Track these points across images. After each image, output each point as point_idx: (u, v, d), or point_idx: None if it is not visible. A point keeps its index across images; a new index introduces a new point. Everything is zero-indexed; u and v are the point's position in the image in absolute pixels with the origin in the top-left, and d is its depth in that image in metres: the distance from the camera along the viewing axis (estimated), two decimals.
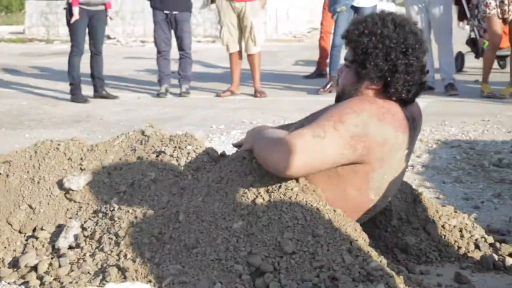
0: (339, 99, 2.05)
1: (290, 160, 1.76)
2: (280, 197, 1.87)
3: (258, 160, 1.92)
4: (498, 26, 5.91)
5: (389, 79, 1.92)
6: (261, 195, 1.88)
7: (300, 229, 1.80)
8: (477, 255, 2.21)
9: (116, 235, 1.92)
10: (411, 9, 6.32)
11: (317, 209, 1.85)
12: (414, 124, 2.02)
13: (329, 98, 6.29)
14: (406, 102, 1.98)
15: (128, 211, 2.00)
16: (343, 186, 1.94)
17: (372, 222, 2.23)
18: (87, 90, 6.58)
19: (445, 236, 2.26)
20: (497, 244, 2.26)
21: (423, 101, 5.96)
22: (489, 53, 6.18)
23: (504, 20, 5.90)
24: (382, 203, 2.06)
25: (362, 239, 1.87)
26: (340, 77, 2.07)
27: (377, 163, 1.91)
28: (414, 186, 2.58)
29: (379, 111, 1.88)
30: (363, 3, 6.41)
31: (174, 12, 6.54)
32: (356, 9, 6.45)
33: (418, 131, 2.11)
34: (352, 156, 1.85)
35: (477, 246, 2.24)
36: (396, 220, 2.26)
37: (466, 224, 2.32)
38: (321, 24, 7.84)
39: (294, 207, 1.84)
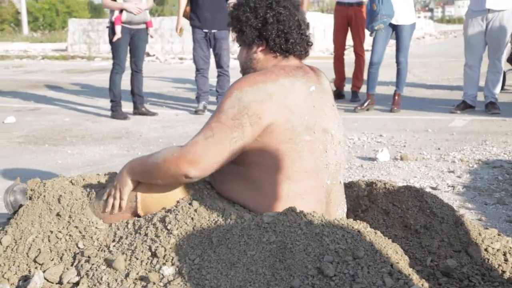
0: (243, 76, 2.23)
1: (196, 166, 1.97)
2: (320, 220, 1.86)
3: (156, 177, 2.08)
4: None
5: (264, 33, 2.12)
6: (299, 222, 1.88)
7: (341, 252, 1.79)
8: None
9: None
10: (470, 24, 6.23)
11: (358, 231, 1.84)
12: (311, 69, 2.19)
13: (367, 116, 6.29)
14: (295, 56, 2.16)
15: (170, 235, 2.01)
16: (274, 146, 2.03)
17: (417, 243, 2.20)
18: (126, 106, 6.70)
19: (488, 259, 2.21)
20: None
21: (462, 120, 5.89)
22: None
23: None
24: (324, 137, 2.10)
25: (403, 261, 1.85)
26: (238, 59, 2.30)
27: (284, 111, 2.02)
28: (455, 207, 2.54)
29: (248, 80, 2.04)
30: (402, 21, 6.38)
31: (213, 31, 6.63)
32: (394, 27, 6.42)
33: (323, 77, 2.24)
34: (246, 133, 2.00)
35: None
36: (437, 242, 2.23)
37: (510, 247, 2.26)
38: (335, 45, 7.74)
39: (335, 229, 1.84)
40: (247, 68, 2.22)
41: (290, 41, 2.13)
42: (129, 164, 2.20)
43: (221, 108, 2.03)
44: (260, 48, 2.17)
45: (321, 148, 2.10)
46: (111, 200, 2.21)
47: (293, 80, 2.08)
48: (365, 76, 7.18)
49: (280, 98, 2.02)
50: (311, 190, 2.08)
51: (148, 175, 2.11)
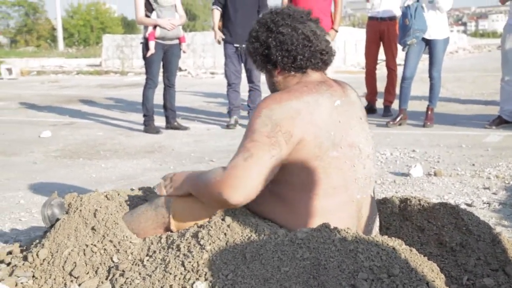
0: None
1: (239, 190, 1.92)
2: (355, 236, 1.85)
3: (202, 199, 2.08)
4: None
5: (272, 57, 2.12)
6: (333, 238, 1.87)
7: (376, 269, 1.77)
8: None
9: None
10: (508, 38, 6.17)
11: (393, 248, 1.82)
12: (335, 83, 2.16)
13: (400, 131, 6.23)
14: (313, 69, 2.13)
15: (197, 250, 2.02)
16: (301, 165, 2.01)
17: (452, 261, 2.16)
18: (159, 121, 6.77)
19: None
20: None
21: (497, 135, 5.79)
22: None
23: None
24: (351, 152, 2.07)
25: (439, 280, 1.82)
26: None
27: (311, 128, 1.99)
28: (491, 225, 2.49)
29: (273, 99, 2.03)
30: (435, 35, 6.33)
31: (244, 46, 6.67)
32: (427, 42, 6.38)
33: (349, 89, 2.20)
34: (283, 150, 1.97)
35: None
36: (473, 260, 2.19)
37: None
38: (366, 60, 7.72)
39: (370, 246, 1.82)
40: (273, 91, 2.21)
41: (299, 58, 2.09)
42: (182, 178, 2.23)
43: (252, 128, 2.00)
44: (276, 71, 2.16)
45: (348, 163, 2.07)
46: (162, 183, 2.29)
47: (317, 96, 2.05)
48: (397, 91, 7.13)
49: (306, 115, 2.00)
50: (341, 205, 2.06)
51: (197, 195, 2.12)
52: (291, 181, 2.04)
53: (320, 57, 2.13)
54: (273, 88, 2.21)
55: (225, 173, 1.95)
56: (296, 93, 2.03)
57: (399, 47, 6.75)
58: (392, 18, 7.32)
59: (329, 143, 2.02)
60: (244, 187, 1.92)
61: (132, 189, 2.61)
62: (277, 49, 2.10)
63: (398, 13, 7.13)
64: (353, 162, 2.08)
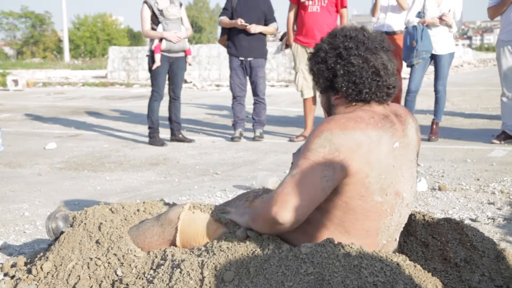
0: None
1: (286, 208, 1.83)
2: (359, 251, 1.85)
3: (257, 227, 1.99)
4: None
5: (336, 84, 2.02)
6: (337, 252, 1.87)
7: (380, 285, 1.77)
8: None
9: None
10: (502, 54, 6.20)
11: (397, 264, 1.82)
12: (397, 119, 2.05)
13: None
14: (376, 102, 2.03)
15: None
16: (343, 199, 1.94)
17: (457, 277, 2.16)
18: (164, 133, 6.79)
19: None
20: None
21: (502, 150, 5.78)
22: None
23: None
24: (394, 200, 2.01)
25: None
26: None
27: (366, 167, 1.91)
28: (495, 241, 2.49)
29: (338, 124, 1.92)
30: (440, 50, 6.35)
31: (249, 59, 6.71)
32: (433, 56, 6.39)
33: (409, 125, 2.10)
34: (337, 174, 1.88)
35: None
36: (478, 276, 2.18)
37: None
38: None
39: (374, 262, 1.82)
40: (330, 113, 2.13)
41: (364, 91, 1.99)
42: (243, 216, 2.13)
43: (308, 147, 1.91)
44: (336, 97, 2.07)
45: (388, 211, 2.00)
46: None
47: (381, 133, 1.95)
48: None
49: (365, 152, 1.91)
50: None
51: (252, 223, 2.02)
52: (327, 211, 1.96)
53: (386, 91, 2.03)
54: (329, 110, 2.13)
55: (274, 191, 1.89)
56: (362, 124, 1.93)
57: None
58: (397, 32, 7.33)
59: (377, 186, 1.94)
60: (292, 204, 1.84)
61: (137, 203, 2.61)
62: (344, 79, 2.00)
63: (402, 27, 7.15)
64: (393, 210, 2.02)
